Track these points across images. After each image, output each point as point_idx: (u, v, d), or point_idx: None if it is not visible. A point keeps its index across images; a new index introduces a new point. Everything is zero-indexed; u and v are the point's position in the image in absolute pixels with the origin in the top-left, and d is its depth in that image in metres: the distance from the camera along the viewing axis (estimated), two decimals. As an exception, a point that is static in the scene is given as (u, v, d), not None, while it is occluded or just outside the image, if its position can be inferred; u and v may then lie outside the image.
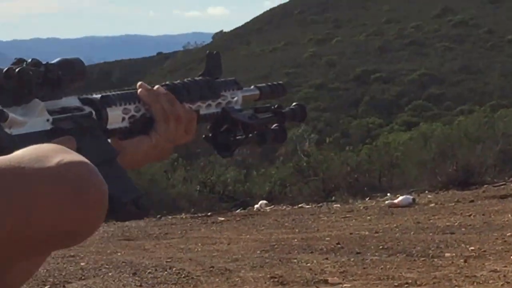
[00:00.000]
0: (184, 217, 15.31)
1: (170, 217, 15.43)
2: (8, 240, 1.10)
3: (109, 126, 1.68)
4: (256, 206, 15.87)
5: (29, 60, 1.55)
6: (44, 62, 1.59)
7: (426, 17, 75.20)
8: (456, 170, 16.04)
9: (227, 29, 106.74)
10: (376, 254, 10.01)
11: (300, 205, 15.63)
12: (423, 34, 72.65)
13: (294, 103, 2.04)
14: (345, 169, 16.94)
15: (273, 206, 15.85)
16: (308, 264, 9.72)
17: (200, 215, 15.27)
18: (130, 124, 1.72)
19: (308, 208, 15.38)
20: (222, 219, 14.56)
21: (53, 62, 1.60)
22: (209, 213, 15.21)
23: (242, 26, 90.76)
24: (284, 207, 15.76)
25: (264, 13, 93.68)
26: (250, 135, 1.90)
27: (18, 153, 1.16)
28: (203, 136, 1.92)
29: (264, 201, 16.14)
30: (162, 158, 1.83)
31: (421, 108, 55.45)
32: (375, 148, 19.38)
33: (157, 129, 1.73)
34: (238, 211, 15.61)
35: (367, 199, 15.60)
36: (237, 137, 1.90)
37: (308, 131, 21.58)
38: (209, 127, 1.91)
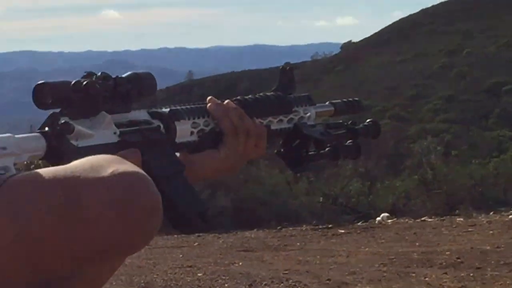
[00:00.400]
0: (304, 228, 15.01)
1: (290, 228, 15.23)
2: (65, 246, 1.14)
3: (177, 140, 1.70)
4: (378, 218, 15.57)
5: (99, 74, 1.57)
6: (113, 76, 1.60)
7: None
8: None
9: (355, 39, 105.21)
10: (496, 269, 9.79)
11: (422, 219, 15.29)
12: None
13: (368, 120, 2.04)
14: (470, 182, 16.73)
15: (395, 219, 15.61)
16: (427, 279, 9.61)
17: (321, 227, 15.02)
18: (199, 138, 1.74)
19: (430, 221, 14.93)
20: (343, 231, 14.25)
21: (123, 76, 1.62)
22: (330, 225, 14.88)
23: (371, 36, 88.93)
24: (406, 220, 15.48)
25: (393, 23, 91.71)
26: (322, 151, 1.91)
27: (76, 163, 1.20)
28: (275, 151, 1.93)
29: (386, 214, 15.82)
30: (231, 172, 1.84)
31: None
32: (502, 161, 19.17)
33: (226, 143, 1.74)
34: (359, 223, 15.43)
35: (491, 213, 15.05)
36: (310, 153, 1.90)
37: (434, 143, 21.21)
38: (281, 142, 1.92)
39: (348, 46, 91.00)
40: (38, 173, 1.20)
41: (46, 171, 1.20)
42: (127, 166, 1.21)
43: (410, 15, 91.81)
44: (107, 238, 1.15)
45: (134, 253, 1.28)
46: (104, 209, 1.13)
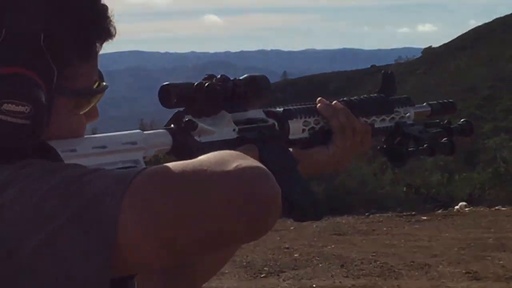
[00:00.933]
0: (390, 215, 15.45)
1: (378, 214, 15.56)
2: (189, 234, 1.17)
3: (290, 137, 1.78)
4: (456, 207, 15.89)
5: (219, 76, 1.66)
6: (232, 78, 1.68)
7: None
8: None
9: (435, 44, 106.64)
10: None
11: (496, 207, 15.65)
12: None
13: (462, 120, 2.12)
14: None
15: (471, 207, 15.92)
16: (501, 262, 10.19)
17: (405, 214, 15.36)
18: (310, 135, 1.81)
19: (504, 210, 15.42)
20: (425, 218, 14.75)
21: (240, 78, 1.71)
22: (413, 213, 15.28)
23: (450, 42, 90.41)
24: (482, 209, 15.80)
25: (469, 31, 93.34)
26: (421, 147, 1.98)
27: (202, 157, 1.23)
28: (378, 147, 2.02)
29: (464, 203, 16.13)
30: (340, 167, 1.89)
31: None
32: None
33: (335, 140, 1.80)
34: (439, 211, 15.65)
35: None
36: (409, 149, 1.98)
37: (506, 139, 21.33)
38: (383, 139, 2.00)
39: (429, 51, 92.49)
40: (168, 167, 1.22)
41: (175, 165, 1.22)
42: (250, 162, 1.23)
43: (485, 23, 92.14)
44: (232, 229, 1.17)
45: (253, 240, 1.27)
46: (230, 202, 1.15)
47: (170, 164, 1.21)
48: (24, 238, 1.17)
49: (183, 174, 1.18)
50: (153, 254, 1.18)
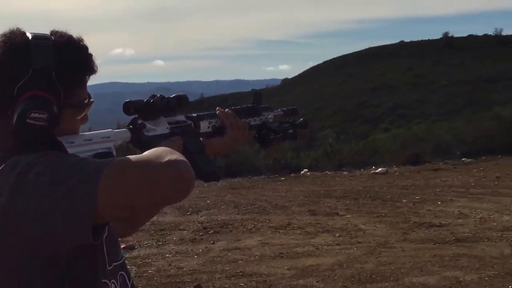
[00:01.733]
0: (263, 177, 17.43)
1: (256, 177, 17.50)
2: (145, 198, 1.50)
3: (201, 131, 2.20)
4: (302, 172, 18.02)
5: (158, 96, 2.03)
6: (166, 97, 2.05)
7: None
8: (411, 154, 19.25)
9: (290, 77, 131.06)
10: (366, 200, 12.62)
11: (325, 172, 17.96)
12: None
13: (301, 119, 2.54)
14: (351, 153, 19.90)
15: (311, 172, 18.07)
16: (328, 204, 12.23)
17: (272, 176, 17.54)
18: (212, 130, 2.22)
19: (330, 173, 17.68)
20: (283, 178, 16.91)
21: (171, 96, 2.08)
22: (276, 175, 17.43)
23: (297, 76, 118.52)
24: (317, 173, 17.91)
25: (309, 69, 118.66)
26: (278, 136, 2.43)
27: (147, 153, 1.54)
28: (252, 136, 2.40)
29: (306, 169, 18.41)
30: (231, 150, 2.29)
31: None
32: (372, 140, 22.18)
33: (227, 133, 2.23)
34: (292, 174, 17.63)
35: (362, 169, 18.19)
36: (271, 137, 2.43)
37: (331, 132, 24.31)
38: (255, 132, 2.43)
39: (286, 81, 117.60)
40: (129, 159, 1.52)
41: (132, 157, 1.52)
42: (177, 156, 1.53)
43: (319, 64, 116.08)
44: (168, 195, 1.51)
45: (180, 201, 1.58)
46: (168, 180, 1.48)
47: (130, 156, 1.53)
48: (37, 199, 1.51)
49: (137, 163, 1.51)
50: (120, 211, 1.51)
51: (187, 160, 1.57)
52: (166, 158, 1.53)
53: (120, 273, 1.86)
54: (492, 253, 8.47)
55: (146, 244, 9.65)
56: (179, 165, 1.54)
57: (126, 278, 1.91)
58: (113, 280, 1.81)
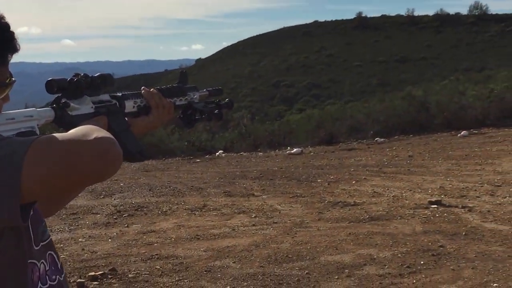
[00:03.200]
0: (178, 159, 17.39)
1: (170, 159, 17.46)
2: (73, 175, 1.49)
3: (126, 110, 2.16)
4: (217, 153, 18.11)
5: (82, 74, 2.00)
6: (90, 75, 2.02)
7: None
8: (325, 135, 19.42)
9: (203, 56, 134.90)
10: (281, 180, 12.63)
11: (240, 153, 18.19)
12: None
13: (227, 99, 2.56)
14: (265, 133, 20.07)
15: (226, 153, 18.11)
16: (244, 185, 12.22)
17: (187, 158, 17.47)
18: (138, 109, 2.20)
19: (245, 154, 17.87)
20: (198, 160, 16.88)
21: (95, 75, 2.05)
22: (191, 157, 17.41)
23: (211, 56, 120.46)
24: (232, 154, 18.07)
25: (223, 49, 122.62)
26: (203, 116, 2.43)
27: (73, 131, 1.55)
28: (177, 116, 2.40)
29: (222, 151, 18.55)
30: (156, 128, 2.30)
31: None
32: (282, 122, 22.45)
33: (152, 113, 2.21)
34: (207, 156, 17.73)
35: (277, 150, 18.42)
36: (196, 117, 2.42)
37: (246, 112, 24.25)
38: (180, 112, 2.42)
39: (199, 61, 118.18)
40: (53, 136, 1.51)
41: (58, 135, 1.51)
42: (104, 133, 1.53)
43: (232, 44, 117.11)
44: (94, 171, 1.49)
45: (105, 180, 1.71)
46: (93, 157, 1.47)
47: (55, 134, 1.52)
48: None
49: (62, 141, 1.50)
50: (46, 188, 1.51)
51: (114, 138, 1.57)
52: (93, 135, 1.53)
53: (48, 252, 1.84)
54: (405, 231, 8.70)
55: (57, 228, 9.55)
56: (106, 141, 1.54)
57: (56, 257, 1.88)
58: (42, 260, 1.79)
